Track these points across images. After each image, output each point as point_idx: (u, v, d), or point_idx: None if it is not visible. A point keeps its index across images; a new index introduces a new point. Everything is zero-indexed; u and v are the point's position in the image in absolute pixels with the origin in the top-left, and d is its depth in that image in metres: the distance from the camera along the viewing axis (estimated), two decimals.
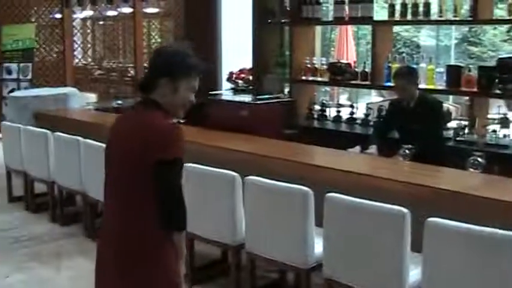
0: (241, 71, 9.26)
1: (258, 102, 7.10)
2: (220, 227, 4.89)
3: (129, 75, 15.47)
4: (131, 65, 15.30)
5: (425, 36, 18.95)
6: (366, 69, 7.68)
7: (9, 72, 12.39)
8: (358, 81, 7.83)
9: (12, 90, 11.84)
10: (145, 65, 15.24)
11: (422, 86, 6.63)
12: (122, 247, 3.08)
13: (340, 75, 7.93)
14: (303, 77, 8.30)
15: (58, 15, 13.82)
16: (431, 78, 6.91)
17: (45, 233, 6.63)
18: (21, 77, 12.31)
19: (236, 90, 8.99)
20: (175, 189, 3.04)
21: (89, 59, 16.57)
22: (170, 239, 3.05)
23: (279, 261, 4.60)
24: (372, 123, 7.42)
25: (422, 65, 7.05)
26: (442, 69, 6.98)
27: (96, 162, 5.98)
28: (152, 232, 3.02)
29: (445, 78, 6.88)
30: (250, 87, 8.80)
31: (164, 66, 3.14)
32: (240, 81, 9.14)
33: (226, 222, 4.84)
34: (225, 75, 9.67)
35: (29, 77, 12.30)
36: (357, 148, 5.89)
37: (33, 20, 13.47)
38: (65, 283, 5.40)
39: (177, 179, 3.06)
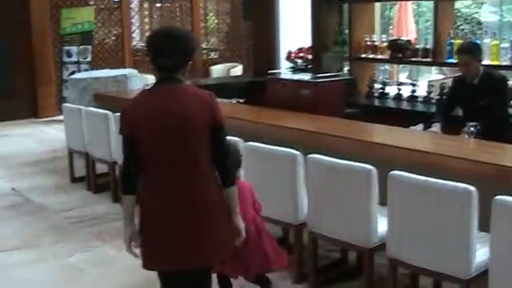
0: (299, 49, 9.21)
1: (318, 80, 7.03)
2: (282, 206, 4.83)
3: None
4: None
5: (486, 13, 18.52)
6: (427, 46, 7.54)
7: (69, 55, 12.54)
8: (419, 59, 7.69)
9: (72, 73, 12.00)
10: (204, 46, 15.30)
11: (486, 62, 6.47)
12: (191, 207, 3.30)
13: (401, 52, 7.80)
14: (363, 55, 8.20)
15: None
16: (495, 54, 6.75)
17: (107, 213, 6.68)
18: (80, 59, 12.46)
19: (295, 69, 8.95)
20: (228, 150, 3.45)
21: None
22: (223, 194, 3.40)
23: (342, 240, 4.54)
24: (434, 100, 7.28)
25: (486, 40, 6.88)
26: (506, 45, 6.79)
27: None
28: (215, 190, 3.36)
29: (510, 54, 6.70)
30: (309, 66, 8.73)
31: (192, 51, 3.40)
32: (298, 60, 9.09)
33: (288, 201, 4.78)
34: (283, 54, 9.62)
35: (89, 59, 12.44)
36: (420, 126, 5.78)
37: (91, 3, 13.61)
38: (128, 261, 5.38)
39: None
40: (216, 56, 15.55)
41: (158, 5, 17.07)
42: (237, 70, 13.36)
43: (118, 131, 3.45)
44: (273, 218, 4.92)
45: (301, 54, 9.15)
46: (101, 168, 7.42)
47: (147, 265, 3.46)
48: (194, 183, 3.29)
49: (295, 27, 9.69)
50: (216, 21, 15.97)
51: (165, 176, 3.31)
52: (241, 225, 3.50)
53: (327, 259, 5.23)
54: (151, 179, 3.35)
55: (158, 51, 3.33)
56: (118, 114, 6.57)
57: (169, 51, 3.30)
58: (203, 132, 3.27)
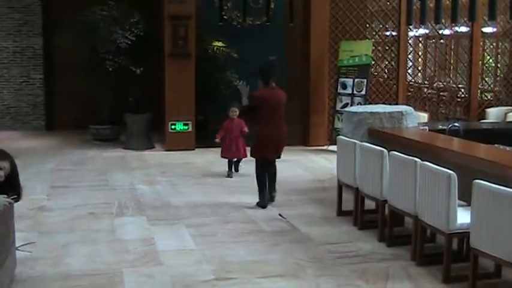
0: None
1: None
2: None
3: (460, 95, 15.05)
4: (463, 85, 14.89)
5: None
6: None
7: (344, 87, 12.71)
8: None
9: (345, 105, 12.15)
10: (480, 86, 14.76)
11: None
12: (281, 135, 8.26)
13: None
14: None
15: (394, 33, 13.91)
16: None
17: (372, 252, 6.53)
18: (355, 92, 12.55)
19: None
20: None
21: (420, 77, 16.42)
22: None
23: None
24: None
25: None
26: None
27: (434, 187, 5.78)
28: (285, 127, 8.33)
29: None
30: None
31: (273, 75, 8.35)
32: None
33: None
34: None
35: (363, 92, 12.47)
36: None
37: (368, 36, 13.69)
38: None
39: None
40: (491, 98, 14.93)
41: (433, 40, 16.89)
42: None
43: (248, 101, 8.16)
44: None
45: None
46: (369, 204, 7.34)
47: (256, 156, 8.32)
48: (282, 124, 8.16)
49: None
50: (491, 59, 15.42)
51: (272, 121, 8.04)
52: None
53: None
54: (265, 122, 8.03)
55: (267, 75, 8.09)
56: (393, 152, 6.51)
57: (271, 75, 8.14)
58: (283, 106, 8.09)
